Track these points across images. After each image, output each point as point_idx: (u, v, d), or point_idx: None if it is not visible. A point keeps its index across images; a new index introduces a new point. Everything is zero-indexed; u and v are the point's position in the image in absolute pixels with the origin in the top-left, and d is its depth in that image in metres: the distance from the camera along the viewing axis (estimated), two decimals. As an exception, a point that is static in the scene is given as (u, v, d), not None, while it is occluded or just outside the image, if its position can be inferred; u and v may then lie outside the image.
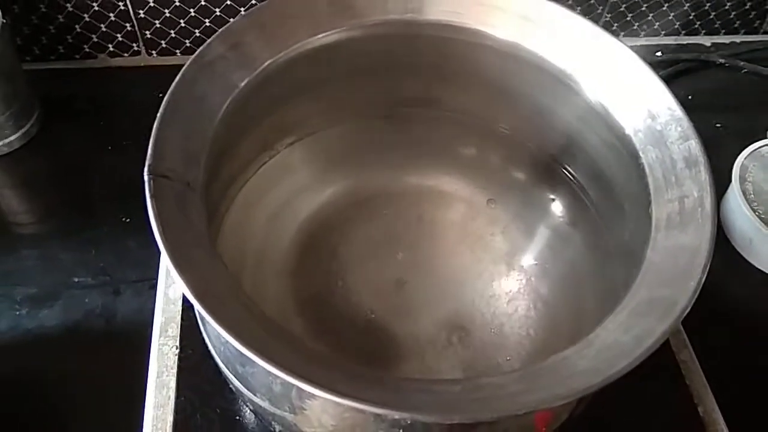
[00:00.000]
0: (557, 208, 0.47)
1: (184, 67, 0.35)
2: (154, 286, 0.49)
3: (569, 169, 0.44)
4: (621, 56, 0.38)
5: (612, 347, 0.29)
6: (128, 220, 0.54)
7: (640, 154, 0.36)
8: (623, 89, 0.38)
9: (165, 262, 0.29)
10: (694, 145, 0.35)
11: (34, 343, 0.47)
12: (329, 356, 0.30)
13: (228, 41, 0.37)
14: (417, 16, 0.40)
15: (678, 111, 0.36)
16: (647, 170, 0.35)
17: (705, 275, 0.30)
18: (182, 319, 0.46)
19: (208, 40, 0.36)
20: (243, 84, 0.37)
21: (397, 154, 0.49)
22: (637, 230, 0.36)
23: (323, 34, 0.39)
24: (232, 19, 0.37)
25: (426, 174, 0.50)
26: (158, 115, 0.33)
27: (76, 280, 0.51)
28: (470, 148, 0.50)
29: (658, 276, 0.31)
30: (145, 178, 0.31)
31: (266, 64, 0.37)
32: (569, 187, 0.45)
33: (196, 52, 0.36)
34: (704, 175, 0.34)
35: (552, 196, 0.47)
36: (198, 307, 0.27)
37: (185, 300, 0.47)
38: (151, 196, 0.30)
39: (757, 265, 0.55)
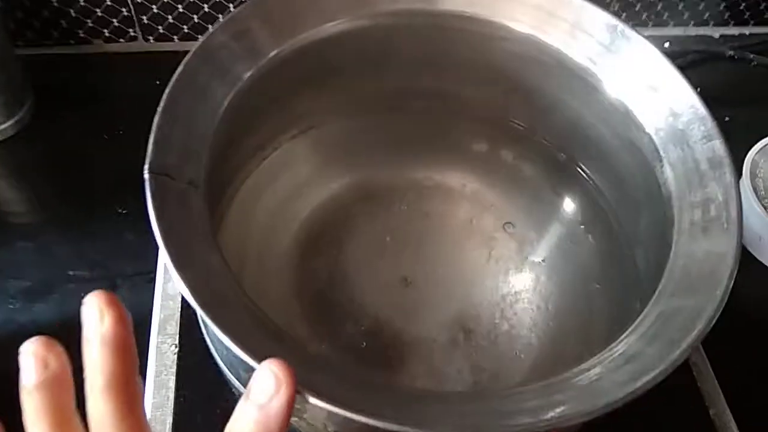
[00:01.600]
0: (570, 207, 0.45)
1: (186, 58, 0.33)
2: (152, 280, 0.48)
3: (584, 167, 0.43)
4: (643, 52, 0.37)
5: (636, 359, 0.28)
6: (125, 211, 0.53)
7: (662, 154, 0.35)
8: (644, 86, 0.36)
9: (167, 263, 0.27)
10: (719, 146, 0.33)
11: (27, 338, 0.46)
12: (335, 363, 0.28)
13: (232, 30, 0.35)
14: (428, 5, 0.39)
15: (702, 109, 0.34)
16: (668, 171, 0.34)
17: (732, 283, 0.29)
18: (181, 316, 0.45)
19: (212, 29, 0.34)
20: (247, 76, 0.35)
21: (405, 149, 0.48)
22: (655, 233, 0.35)
23: (331, 24, 0.38)
24: (231, 5, 0.35)
25: (434, 169, 0.49)
26: (158, 109, 0.31)
27: (71, 273, 0.49)
28: (481, 143, 0.48)
29: (681, 283, 0.30)
30: (146, 176, 0.29)
31: (272, 54, 0.36)
32: (584, 186, 0.43)
33: (199, 42, 0.34)
34: (729, 177, 0.32)
35: (565, 195, 0.46)
36: (203, 315, 0.26)
37: (184, 297, 0.46)
38: (152, 196, 0.29)
39: (767, 264, 0.54)
